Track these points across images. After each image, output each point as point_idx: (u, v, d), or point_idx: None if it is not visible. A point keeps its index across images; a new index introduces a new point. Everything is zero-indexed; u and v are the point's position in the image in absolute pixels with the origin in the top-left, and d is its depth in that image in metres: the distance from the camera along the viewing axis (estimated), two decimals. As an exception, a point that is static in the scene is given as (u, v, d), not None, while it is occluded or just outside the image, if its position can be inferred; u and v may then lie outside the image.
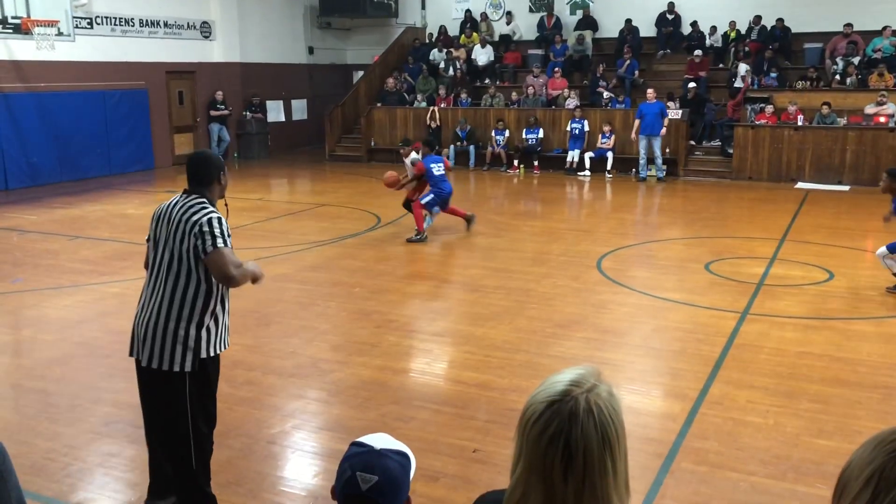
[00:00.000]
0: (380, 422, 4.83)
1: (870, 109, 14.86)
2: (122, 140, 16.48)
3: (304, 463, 4.47)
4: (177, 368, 3.47)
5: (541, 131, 16.83)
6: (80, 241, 10.22)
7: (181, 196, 3.58)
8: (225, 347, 3.68)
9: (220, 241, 3.41)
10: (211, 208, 3.53)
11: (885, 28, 16.18)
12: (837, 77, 16.15)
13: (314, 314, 7.19)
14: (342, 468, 1.62)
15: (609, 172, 16.05)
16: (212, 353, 3.58)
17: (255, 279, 3.68)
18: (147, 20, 16.92)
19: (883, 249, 7.53)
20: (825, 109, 14.89)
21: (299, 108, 21.41)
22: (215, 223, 3.44)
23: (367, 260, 8.90)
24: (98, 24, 15.86)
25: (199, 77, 18.34)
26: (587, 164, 16.22)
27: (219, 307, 3.59)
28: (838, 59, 16.38)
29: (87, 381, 5.59)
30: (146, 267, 3.78)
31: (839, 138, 14.74)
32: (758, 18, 17.68)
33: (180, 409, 3.52)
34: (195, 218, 3.44)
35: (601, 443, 1.30)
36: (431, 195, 9.94)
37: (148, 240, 3.70)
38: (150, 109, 17.13)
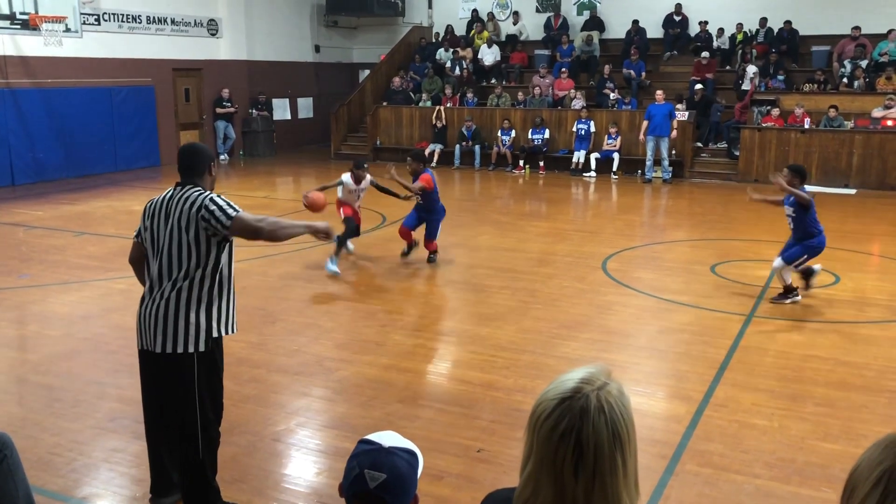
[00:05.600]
0: (385, 420, 4.83)
1: (877, 113, 14.82)
2: (129, 136, 16.52)
3: (308, 461, 4.47)
4: (191, 349, 3.51)
5: (547, 132, 16.82)
6: (86, 237, 10.25)
7: (175, 189, 3.62)
8: (234, 330, 3.72)
9: (231, 211, 3.50)
10: (209, 192, 3.59)
11: (890, 31, 16.13)
12: (845, 80, 16.11)
13: (319, 312, 7.20)
14: (350, 465, 1.62)
15: (615, 173, 16.03)
16: (223, 332, 3.63)
17: (314, 231, 3.73)
18: (154, 17, 16.95)
19: (779, 262, 7.16)
20: (832, 112, 14.85)
21: (305, 107, 21.44)
22: (218, 199, 3.53)
23: (373, 258, 8.90)
24: (105, 20, 15.90)
25: (205, 74, 18.37)
26: (593, 164, 16.21)
27: (225, 288, 3.64)
28: (846, 62, 16.33)
29: (92, 377, 5.60)
30: (131, 262, 3.83)
31: (846, 141, 14.71)
32: (764, 20, 17.65)
33: (189, 395, 3.55)
34: (198, 202, 3.49)
35: (612, 440, 1.30)
36: (436, 221, 8.64)
37: (137, 235, 3.71)
38: (157, 106, 17.16)
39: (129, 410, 4.87)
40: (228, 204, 3.53)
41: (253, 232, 3.53)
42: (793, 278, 7.29)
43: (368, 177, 8.58)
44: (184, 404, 3.56)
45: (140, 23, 16.64)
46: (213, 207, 3.47)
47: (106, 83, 15.93)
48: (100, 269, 8.57)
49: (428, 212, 8.53)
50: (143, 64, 16.69)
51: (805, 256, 7.09)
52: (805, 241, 7.11)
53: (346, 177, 8.53)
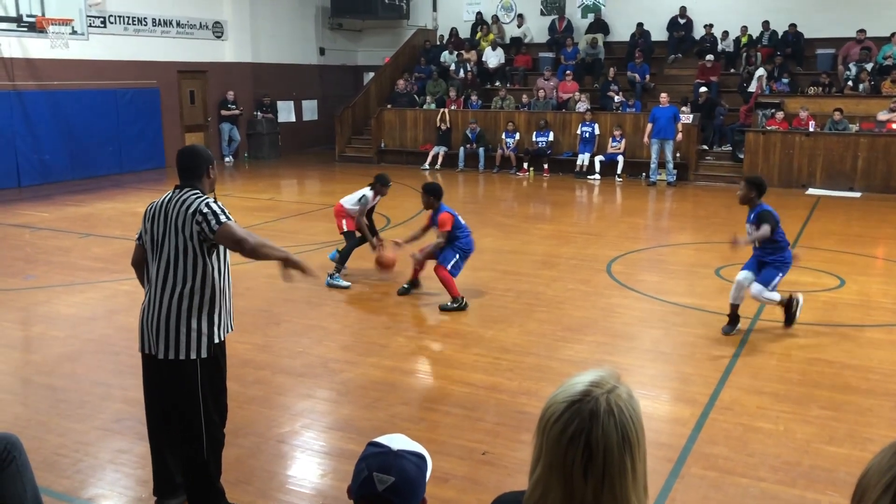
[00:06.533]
0: (389, 422, 4.83)
1: (882, 116, 14.80)
2: (134, 138, 16.56)
3: (313, 462, 4.48)
4: (193, 356, 3.53)
5: (551, 134, 16.82)
6: (92, 238, 10.27)
7: (174, 192, 3.63)
8: (231, 330, 3.74)
9: (222, 218, 3.50)
10: (206, 196, 3.60)
11: (894, 34, 16.11)
12: (850, 83, 16.09)
13: (324, 314, 7.20)
14: (359, 468, 1.63)
15: (619, 176, 16.02)
16: (223, 337, 3.65)
17: (292, 264, 3.64)
18: (160, 20, 17.00)
19: (757, 289, 6.45)
20: (837, 115, 14.83)
21: (310, 109, 21.46)
22: (213, 206, 3.53)
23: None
24: (111, 22, 15.94)
25: (210, 77, 18.41)
26: (597, 167, 16.21)
27: (225, 291, 3.66)
28: (851, 65, 16.31)
29: (97, 378, 5.61)
30: (133, 265, 3.83)
31: (851, 145, 14.68)
32: (767, 23, 17.64)
33: (193, 399, 3.57)
34: (194, 206, 3.51)
35: (621, 443, 1.31)
36: (458, 255, 7.40)
37: (138, 238, 3.73)
38: (162, 108, 17.21)
39: (135, 411, 4.87)
40: (222, 211, 3.53)
41: (236, 243, 3.51)
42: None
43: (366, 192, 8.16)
44: (188, 408, 3.58)
45: (146, 25, 16.69)
46: (206, 211, 3.48)
47: (111, 85, 15.98)
48: (105, 270, 8.60)
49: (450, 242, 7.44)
50: (149, 66, 16.73)
51: (780, 275, 6.48)
52: (774, 257, 6.47)
53: (369, 192, 8.08)
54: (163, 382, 3.62)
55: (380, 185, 8.16)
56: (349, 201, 8.12)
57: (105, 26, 15.77)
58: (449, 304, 7.29)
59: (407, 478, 1.61)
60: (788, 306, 6.55)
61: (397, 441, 1.66)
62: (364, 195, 8.08)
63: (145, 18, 16.65)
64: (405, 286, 7.80)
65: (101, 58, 15.67)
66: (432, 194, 7.43)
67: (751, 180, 6.58)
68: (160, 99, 17.10)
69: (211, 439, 3.65)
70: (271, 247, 3.65)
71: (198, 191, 3.60)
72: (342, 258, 8.10)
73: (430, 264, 7.58)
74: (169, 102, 17.43)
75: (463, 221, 7.51)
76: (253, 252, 3.56)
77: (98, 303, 7.46)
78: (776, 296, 6.51)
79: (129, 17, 16.31)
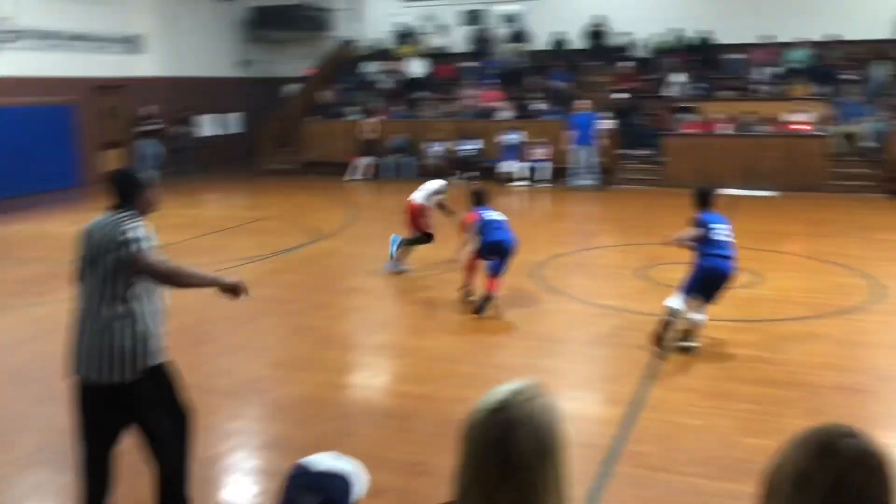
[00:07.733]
0: (322, 438, 4.78)
1: (790, 118, 15.48)
2: (49, 157, 15.94)
3: (244, 483, 4.40)
4: (128, 377, 3.47)
5: (476, 143, 16.97)
6: (5, 261, 9.86)
7: (106, 214, 3.58)
8: (164, 357, 3.69)
9: (134, 247, 3.44)
10: (134, 221, 3.53)
11: (799, 41, 16.92)
12: (760, 87, 16.78)
13: (252, 331, 7.08)
14: (281, 491, 1.61)
15: (544, 182, 16.26)
16: (158, 359, 3.61)
17: (223, 287, 3.70)
18: (75, 34, 16.47)
19: (675, 299, 6.07)
20: (749, 118, 15.43)
21: (232, 122, 21.12)
22: (137, 231, 3.48)
23: (305, 275, 8.81)
24: (24, 38, 15.36)
25: (129, 92, 17.92)
26: (522, 174, 16.41)
27: (157, 313, 3.63)
28: (761, 70, 17.04)
29: (14, 409, 5.38)
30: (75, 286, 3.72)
31: (763, 146, 15.29)
32: (683, 30, 18.24)
33: (139, 416, 3.54)
34: (119, 230, 3.46)
35: (537, 450, 1.33)
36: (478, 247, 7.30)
37: (75, 260, 3.63)
38: (79, 125, 16.66)
39: (55, 441, 4.70)
40: (145, 238, 3.48)
41: (151, 274, 3.50)
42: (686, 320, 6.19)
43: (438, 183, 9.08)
44: (139, 425, 3.54)
45: (60, 40, 16.14)
46: (128, 237, 3.44)
47: (25, 102, 15.37)
48: (21, 294, 8.25)
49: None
50: (65, 82, 16.15)
51: (690, 279, 6.06)
52: (695, 262, 6.11)
53: (444, 183, 8.95)
54: (99, 406, 3.53)
55: (447, 178, 9.38)
56: (426, 193, 8.77)
57: (17, 41, 15.19)
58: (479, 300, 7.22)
59: (329, 499, 1.60)
60: (686, 333, 6.15)
61: (322, 461, 1.65)
62: (444, 183, 8.95)
63: (60, 33, 16.11)
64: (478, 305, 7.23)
65: (13, 74, 15.07)
66: (471, 198, 7.67)
67: (693, 192, 6.38)
68: (76, 115, 16.56)
69: (166, 450, 3.61)
70: (192, 274, 3.66)
71: (129, 213, 3.54)
72: (406, 246, 8.73)
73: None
74: (86, 119, 16.89)
75: (492, 218, 7.39)
76: (167, 279, 3.56)
77: (15, 329, 7.16)
78: (676, 303, 6.04)
79: (42, 32, 15.74)
